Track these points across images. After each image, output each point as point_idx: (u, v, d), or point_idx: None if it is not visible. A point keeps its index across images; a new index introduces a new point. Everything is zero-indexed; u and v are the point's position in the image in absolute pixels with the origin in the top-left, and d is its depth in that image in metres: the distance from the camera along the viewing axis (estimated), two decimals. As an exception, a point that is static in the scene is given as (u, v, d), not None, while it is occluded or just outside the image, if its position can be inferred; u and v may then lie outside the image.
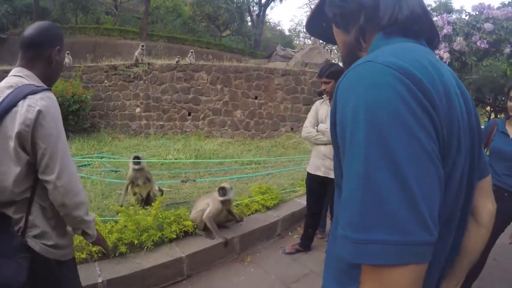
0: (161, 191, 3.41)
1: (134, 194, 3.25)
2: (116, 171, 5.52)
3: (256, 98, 10.88)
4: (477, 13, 4.21)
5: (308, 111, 11.68)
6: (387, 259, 0.50)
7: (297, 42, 33.10)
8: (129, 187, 3.27)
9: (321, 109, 2.84)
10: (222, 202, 2.85)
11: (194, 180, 5.23)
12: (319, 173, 2.80)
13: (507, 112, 2.41)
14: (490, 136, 2.37)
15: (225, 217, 3.19)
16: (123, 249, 2.21)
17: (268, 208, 3.78)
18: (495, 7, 4.01)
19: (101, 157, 6.85)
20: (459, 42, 4.22)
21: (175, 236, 2.57)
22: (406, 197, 0.50)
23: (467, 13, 4.50)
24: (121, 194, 3.30)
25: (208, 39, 24.92)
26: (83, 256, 2.04)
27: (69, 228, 1.29)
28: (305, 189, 3.17)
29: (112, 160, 6.41)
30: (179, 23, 25.27)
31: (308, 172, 2.98)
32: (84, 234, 1.28)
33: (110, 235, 2.21)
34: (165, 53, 14.45)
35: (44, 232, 1.17)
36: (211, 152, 8.53)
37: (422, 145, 0.53)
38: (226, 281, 2.62)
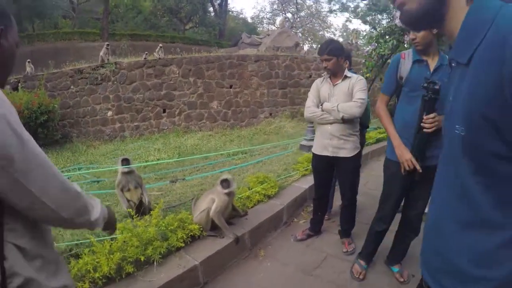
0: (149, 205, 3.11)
1: (127, 201, 2.95)
2: (98, 181, 5.12)
3: (231, 87, 10.59)
4: None
5: (284, 95, 11.63)
6: None
7: (261, 29, 32.81)
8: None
9: (323, 87, 2.65)
10: (228, 194, 2.64)
11: (184, 179, 4.95)
12: (327, 153, 2.63)
13: None
14: None
15: (230, 214, 2.97)
16: (129, 269, 1.92)
17: (269, 197, 3.60)
18: None
19: (79, 168, 6.40)
20: None
21: (183, 244, 2.31)
22: None
23: None
24: (120, 201, 2.99)
25: (172, 33, 24.25)
26: (86, 286, 1.75)
27: (61, 258, 1.01)
28: (312, 171, 3.00)
29: (92, 170, 5.98)
30: (141, 20, 24.44)
31: (313, 153, 2.80)
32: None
33: (111, 256, 1.91)
34: (130, 51, 13.84)
35: (30, 279, 0.86)
36: (193, 148, 8.27)
37: None
38: (245, 281, 2.42)
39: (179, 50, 12.19)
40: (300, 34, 30.70)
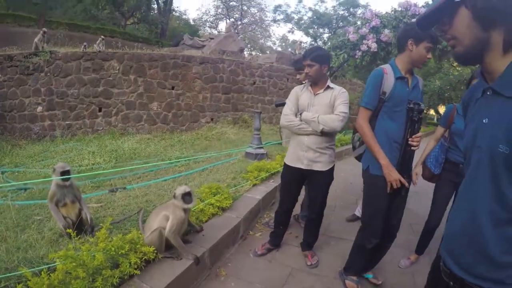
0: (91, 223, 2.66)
1: (63, 218, 2.49)
2: (25, 189, 4.34)
3: (173, 88, 10.10)
4: (403, 9, 4.62)
5: (227, 100, 11.59)
6: None
7: (203, 32, 32.39)
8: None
9: (303, 95, 2.55)
10: (185, 210, 2.38)
11: (124, 188, 4.46)
12: (300, 165, 2.55)
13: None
14: (451, 119, 2.62)
15: (185, 230, 2.71)
16: (76, 308, 1.58)
17: (223, 210, 3.42)
18: (420, 6, 4.49)
19: (2, 172, 5.42)
20: (386, 34, 4.60)
21: (138, 272, 2.00)
22: None
23: (393, 9, 4.91)
24: (56, 219, 2.50)
25: (112, 27, 22.72)
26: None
27: None
28: (281, 183, 2.90)
29: (20, 183, 5.03)
30: (80, 9, 22.47)
31: (286, 164, 2.70)
32: None
33: (52, 293, 1.55)
34: (66, 41, 12.40)
35: None
36: (131, 152, 7.63)
37: None
38: (208, 308, 2.20)
39: (120, 45, 11.28)
40: (245, 41, 31.04)
